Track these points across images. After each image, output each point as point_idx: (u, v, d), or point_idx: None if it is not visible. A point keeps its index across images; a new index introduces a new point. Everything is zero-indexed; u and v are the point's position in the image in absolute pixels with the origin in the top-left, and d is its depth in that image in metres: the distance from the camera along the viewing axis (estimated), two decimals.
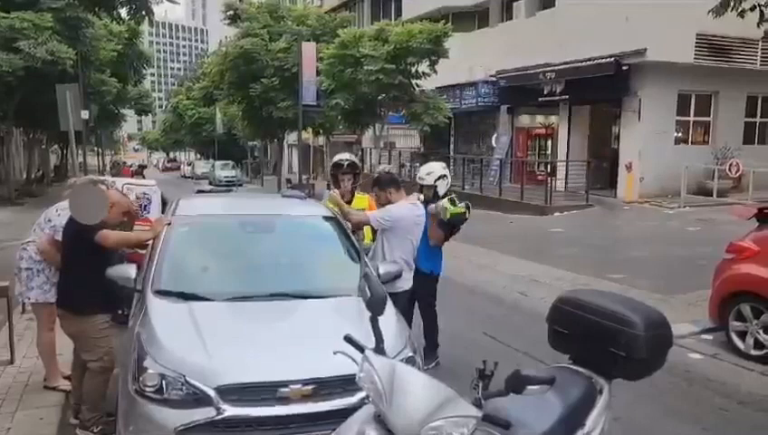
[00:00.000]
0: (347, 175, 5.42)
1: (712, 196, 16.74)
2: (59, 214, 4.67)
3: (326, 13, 28.28)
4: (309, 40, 23.19)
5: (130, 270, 3.99)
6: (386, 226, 4.85)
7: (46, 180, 34.03)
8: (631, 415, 4.69)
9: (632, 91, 17.80)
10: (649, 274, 9.46)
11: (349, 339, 2.50)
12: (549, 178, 18.25)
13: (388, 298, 2.81)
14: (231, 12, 28.17)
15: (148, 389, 3.15)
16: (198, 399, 3.08)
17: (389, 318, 3.62)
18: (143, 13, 13.67)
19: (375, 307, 2.52)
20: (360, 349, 2.41)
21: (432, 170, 5.55)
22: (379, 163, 21.42)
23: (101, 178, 6.72)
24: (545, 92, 20.03)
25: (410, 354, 3.46)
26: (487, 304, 8.05)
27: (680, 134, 19.08)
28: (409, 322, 4.97)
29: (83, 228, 4.11)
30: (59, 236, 4.44)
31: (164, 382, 3.14)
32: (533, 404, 2.68)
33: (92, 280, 4.12)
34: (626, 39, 16.57)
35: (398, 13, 28.66)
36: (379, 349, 2.42)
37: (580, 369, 3.04)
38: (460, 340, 6.13)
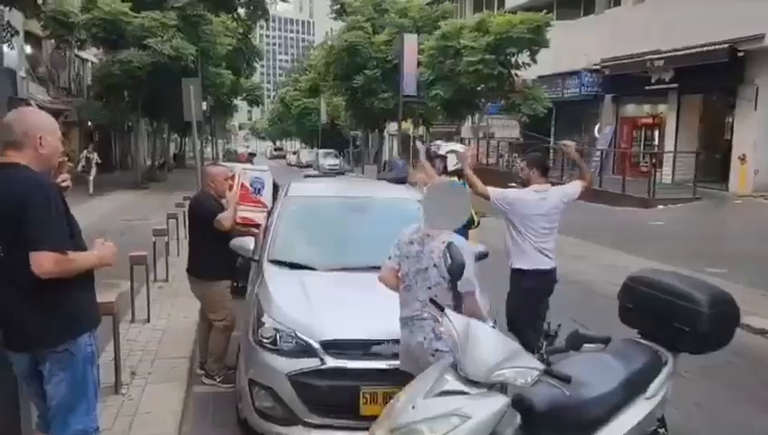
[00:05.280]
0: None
1: None
2: None
3: (428, 4, 28.58)
4: (411, 32, 23.65)
5: (250, 242, 4.66)
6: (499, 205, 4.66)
7: (167, 167, 36.87)
8: (713, 402, 4.82)
9: (748, 79, 16.85)
10: (754, 270, 9.14)
11: (433, 301, 2.94)
12: (653, 170, 17.67)
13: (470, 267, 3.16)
14: (337, 6, 29.18)
15: (265, 340, 3.75)
16: (305, 350, 3.63)
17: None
18: (260, 12, 14.62)
19: (454, 272, 2.94)
20: (441, 308, 2.84)
21: (446, 145, 5.87)
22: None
23: (225, 163, 7.49)
24: (653, 81, 19.32)
25: (491, 325, 3.83)
26: (577, 293, 8.17)
27: None
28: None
29: (205, 211, 4.82)
30: None
31: (278, 335, 3.72)
32: (597, 366, 3.01)
33: (216, 251, 4.82)
34: (741, 24, 15.72)
35: (501, 2, 28.47)
36: (458, 307, 2.84)
37: (647, 342, 3.31)
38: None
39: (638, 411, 3.01)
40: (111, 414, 4.19)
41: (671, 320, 3.16)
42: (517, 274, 4.56)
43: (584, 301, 7.74)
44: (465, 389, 2.55)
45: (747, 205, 15.88)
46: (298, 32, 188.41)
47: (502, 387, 2.59)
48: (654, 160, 18.87)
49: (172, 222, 9.69)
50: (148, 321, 6.28)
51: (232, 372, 4.76)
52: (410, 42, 21.52)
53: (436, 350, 3.11)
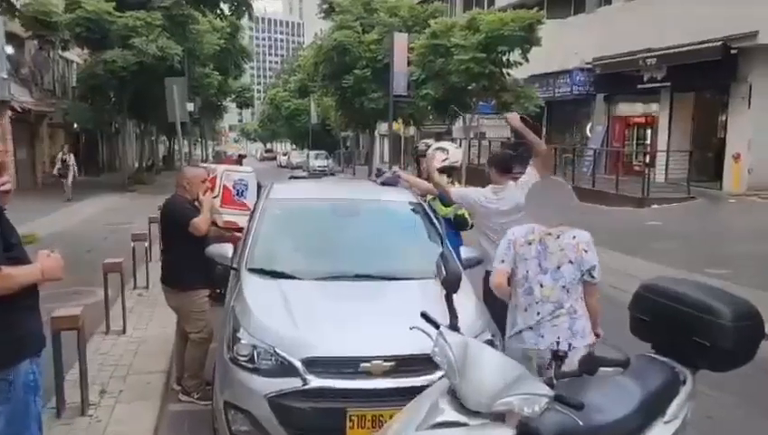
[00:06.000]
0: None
1: None
2: None
3: (418, 3, 28.27)
4: (401, 31, 23.33)
5: (228, 249, 4.30)
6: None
7: (155, 169, 36.38)
8: (726, 414, 4.52)
9: (741, 76, 16.65)
10: (755, 271, 8.90)
11: (425, 316, 2.61)
12: (647, 169, 17.45)
13: (466, 279, 2.88)
14: (326, 5, 28.83)
15: (241, 358, 3.40)
16: (286, 369, 3.29)
17: (469, 300, 3.69)
18: (243, 8, 14.32)
19: (449, 285, 2.61)
20: (436, 325, 2.51)
21: (436, 144, 5.74)
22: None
23: (203, 164, 7.18)
24: (645, 80, 19.10)
25: (490, 337, 3.51)
26: None
27: None
28: None
29: (178, 216, 4.47)
30: None
31: (255, 352, 3.38)
32: (610, 389, 2.68)
33: (191, 258, 4.47)
34: (734, 21, 15.50)
35: (491, 0, 28.22)
36: (454, 326, 2.51)
37: (663, 358, 2.99)
38: None
39: None
40: None
41: (691, 334, 2.85)
42: (486, 277, 4.31)
43: None
44: (464, 419, 2.23)
45: (742, 204, 15.69)
46: (287, 33, 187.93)
47: (492, 415, 2.26)
48: (647, 159, 18.66)
49: (154, 226, 9.30)
50: (124, 332, 5.92)
51: (210, 389, 4.40)
52: (400, 40, 21.20)
53: (573, 348, 3.04)
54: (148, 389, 4.67)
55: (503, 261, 3.30)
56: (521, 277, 3.24)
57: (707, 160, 18.67)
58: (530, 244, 3.24)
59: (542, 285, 3.16)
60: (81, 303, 5.87)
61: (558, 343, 2.99)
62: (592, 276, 3.18)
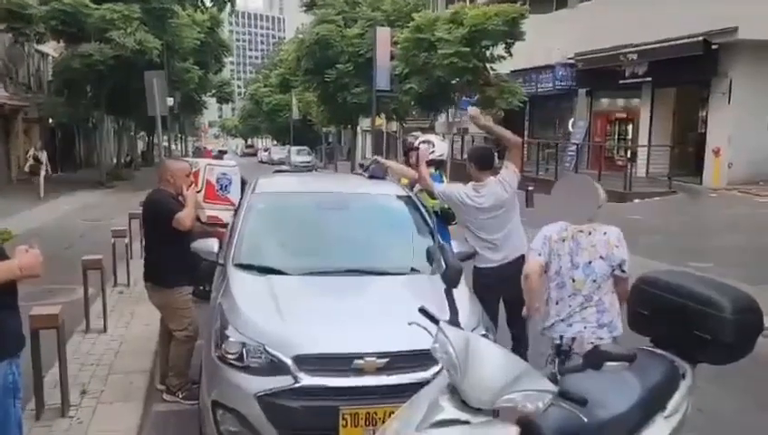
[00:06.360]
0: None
1: None
2: None
3: None
4: (383, 25, 23.20)
5: (213, 244, 4.17)
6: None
7: (134, 165, 35.86)
8: (717, 407, 4.50)
9: (722, 72, 16.79)
10: (738, 263, 8.96)
11: (423, 311, 2.52)
12: (629, 164, 17.55)
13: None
14: None
15: (229, 356, 3.29)
16: (277, 367, 3.19)
17: (463, 295, 3.61)
18: (225, 0, 14.09)
19: (450, 279, 2.53)
20: (435, 321, 2.42)
21: (422, 136, 5.76)
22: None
23: (186, 158, 7.02)
24: (627, 75, 19.24)
25: (483, 332, 3.45)
26: None
27: None
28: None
29: (162, 210, 4.33)
30: None
31: (244, 350, 3.26)
32: (612, 384, 2.62)
33: (175, 254, 4.34)
34: (715, 17, 15.59)
35: None
36: (454, 321, 2.43)
37: (662, 352, 2.94)
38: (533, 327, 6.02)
39: (658, 432, 2.64)
40: None
41: (691, 327, 2.80)
42: (476, 271, 4.46)
43: None
44: (466, 417, 2.15)
45: (722, 198, 15.84)
46: (268, 28, 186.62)
47: (494, 411, 2.19)
48: (629, 154, 18.77)
49: (135, 222, 9.09)
50: (105, 331, 5.76)
51: (196, 387, 4.27)
52: (383, 34, 21.06)
53: (599, 338, 3.14)
54: (130, 389, 4.54)
55: (539, 254, 3.43)
56: (554, 272, 3.38)
57: (688, 155, 18.84)
58: (563, 240, 3.37)
59: (573, 280, 3.30)
60: (59, 301, 5.69)
61: (569, 338, 3.11)
62: (623, 271, 3.32)
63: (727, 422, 4.37)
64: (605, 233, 3.31)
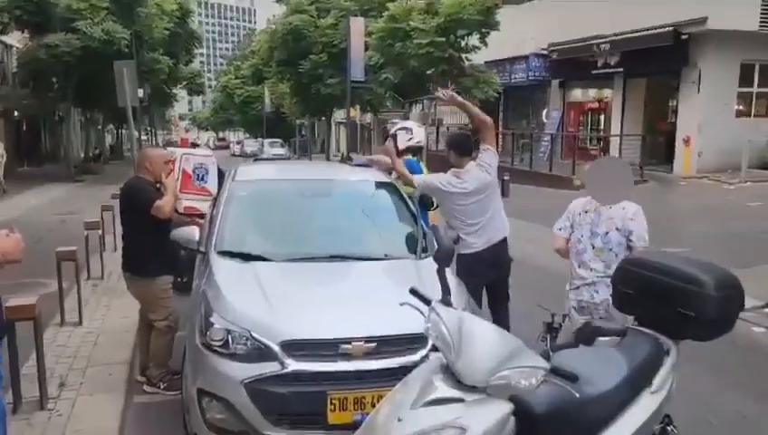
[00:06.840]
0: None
1: None
2: None
3: None
4: (357, 15, 23.08)
5: (194, 232, 4.10)
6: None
7: (103, 159, 35.16)
8: (693, 387, 4.57)
9: (692, 61, 17.09)
10: (711, 248, 9.13)
11: (414, 292, 2.51)
12: (601, 154, 17.78)
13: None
14: None
15: (214, 343, 3.24)
16: (263, 353, 3.15)
17: (449, 277, 3.62)
18: None
19: (442, 259, 2.52)
20: (427, 301, 2.42)
21: (400, 123, 5.81)
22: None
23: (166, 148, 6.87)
24: (599, 65, 19.43)
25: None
26: (537, 276, 7.93)
27: (742, 107, 18.22)
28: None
29: (141, 198, 4.24)
30: None
31: (230, 337, 3.22)
32: (601, 360, 2.65)
33: (154, 243, 4.26)
34: (684, 7, 15.86)
35: None
36: (446, 300, 2.42)
37: (647, 330, 2.98)
38: (514, 311, 6.07)
39: (644, 408, 2.67)
40: (36, 434, 3.61)
41: (674, 304, 2.83)
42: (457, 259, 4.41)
43: (546, 285, 7.48)
44: (460, 395, 2.15)
45: (692, 186, 16.15)
46: (239, 19, 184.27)
47: (488, 389, 2.19)
48: (602, 144, 19.02)
49: (107, 214, 8.91)
50: (80, 323, 5.64)
51: (177, 378, 4.21)
52: (357, 25, 20.97)
53: None
54: (110, 380, 4.45)
55: (560, 229, 3.82)
56: (575, 240, 3.74)
57: (659, 144, 19.14)
58: (586, 212, 3.70)
59: (593, 247, 3.64)
60: (32, 294, 5.56)
61: (608, 299, 3.36)
62: (634, 241, 3.61)
63: (701, 400, 4.46)
64: (623, 208, 3.59)
